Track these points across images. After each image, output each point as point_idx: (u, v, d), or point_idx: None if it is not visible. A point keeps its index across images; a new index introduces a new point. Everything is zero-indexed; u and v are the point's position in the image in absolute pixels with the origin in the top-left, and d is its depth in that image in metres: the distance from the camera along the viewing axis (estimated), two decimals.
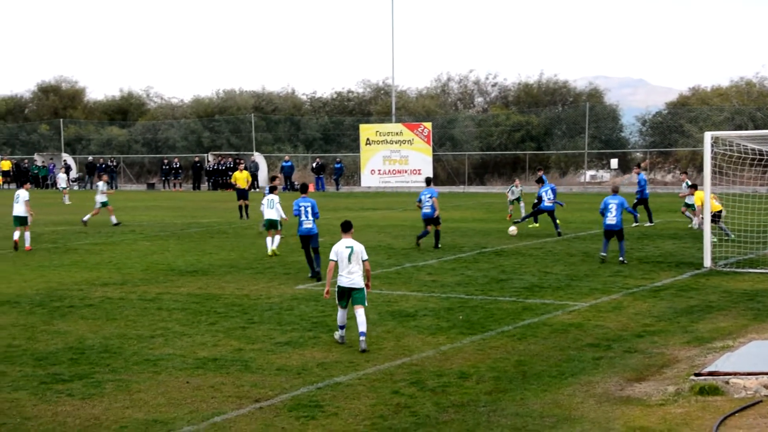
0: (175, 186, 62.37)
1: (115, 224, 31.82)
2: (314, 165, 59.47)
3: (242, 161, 48.08)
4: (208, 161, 62.68)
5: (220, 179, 60.55)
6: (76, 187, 65.14)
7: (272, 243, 23.50)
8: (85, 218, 32.22)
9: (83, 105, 79.65)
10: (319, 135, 68.05)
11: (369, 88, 71.92)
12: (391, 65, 61.57)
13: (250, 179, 37.13)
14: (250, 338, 13.47)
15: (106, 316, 15.30)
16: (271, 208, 23.58)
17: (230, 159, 61.22)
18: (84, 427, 9.34)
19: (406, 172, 56.49)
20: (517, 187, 32.95)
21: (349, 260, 12.95)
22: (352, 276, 12.94)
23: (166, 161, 63.80)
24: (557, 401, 10.19)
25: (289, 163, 58.48)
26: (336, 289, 13.09)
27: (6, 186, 65.97)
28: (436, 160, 58.45)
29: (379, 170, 57.28)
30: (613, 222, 21.28)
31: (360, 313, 12.77)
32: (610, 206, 21.38)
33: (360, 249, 13.07)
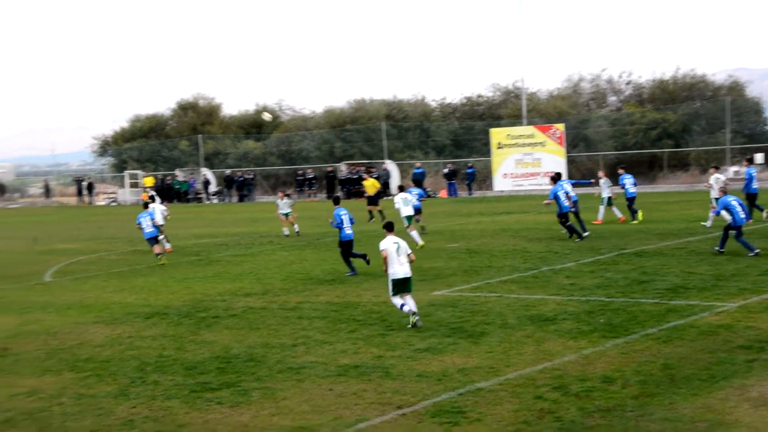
0: (309, 196, 63.44)
1: (293, 234, 32.10)
2: (446, 171, 59.46)
3: (374, 168, 48.59)
4: (341, 170, 63.50)
5: (353, 188, 61.27)
6: (215, 201, 67.10)
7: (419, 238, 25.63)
8: (287, 232, 32.40)
9: (219, 120, 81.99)
10: (449, 141, 68.04)
11: (498, 91, 71.54)
12: (521, 67, 61.89)
13: (378, 186, 37.81)
14: (390, 345, 13.54)
15: (250, 325, 15.65)
16: (407, 205, 26.69)
17: (362, 168, 61.87)
18: None
19: (539, 174, 55.78)
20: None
21: (398, 253, 14.93)
22: (404, 267, 14.95)
23: (300, 172, 64.97)
24: (709, 405, 9.84)
25: (420, 170, 58.63)
26: (392, 282, 14.94)
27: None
28: (570, 162, 57.53)
29: (512, 173, 56.75)
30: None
31: (409, 297, 14.92)
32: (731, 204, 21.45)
33: (404, 244, 15.14)
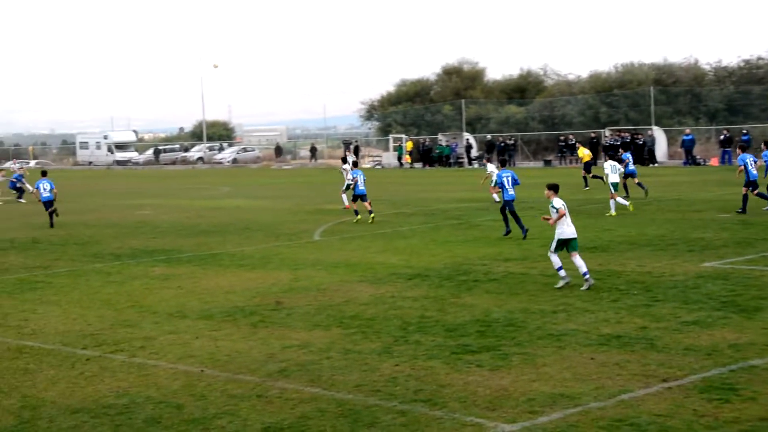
0: (571, 162, 62.42)
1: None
2: (721, 138, 56.52)
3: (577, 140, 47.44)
4: (605, 136, 61.98)
5: (618, 154, 59.62)
6: (476, 165, 67.55)
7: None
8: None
9: (483, 85, 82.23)
10: (722, 106, 64.58)
11: None
12: None
13: (590, 155, 41.15)
14: (655, 316, 13.08)
15: (509, 290, 15.64)
16: (614, 172, 28.84)
17: (627, 134, 60.06)
18: (494, 397, 9.60)
19: None
20: None
21: (568, 214, 15.58)
22: (571, 227, 15.56)
23: (562, 138, 64.06)
24: None
25: (690, 137, 56.17)
26: (558, 241, 15.52)
27: (410, 165, 69.94)
28: None
29: None
30: None
31: (578, 257, 15.39)
32: None
33: (563, 203, 15.65)
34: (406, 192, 41.35)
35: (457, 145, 69.99)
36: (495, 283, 16.40)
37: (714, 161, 56.19)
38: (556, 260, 15.63)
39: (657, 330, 12.25)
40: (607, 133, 62.16)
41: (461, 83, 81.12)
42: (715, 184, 38.95)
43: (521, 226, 22.63)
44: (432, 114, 78.83)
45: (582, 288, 15.17)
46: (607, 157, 30.63)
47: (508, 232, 23.11)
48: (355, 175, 28.04)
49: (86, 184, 56.91)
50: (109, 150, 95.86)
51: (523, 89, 79.19)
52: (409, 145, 71.52)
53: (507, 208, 23.29)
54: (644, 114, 64.86)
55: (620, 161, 30.75)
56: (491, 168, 30.92)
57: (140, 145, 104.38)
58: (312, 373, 10.77)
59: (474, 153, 68.67)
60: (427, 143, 70.52)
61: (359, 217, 27.82)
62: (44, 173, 31.73)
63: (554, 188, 16.13)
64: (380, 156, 77.25)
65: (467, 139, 69.19)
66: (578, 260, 15.39)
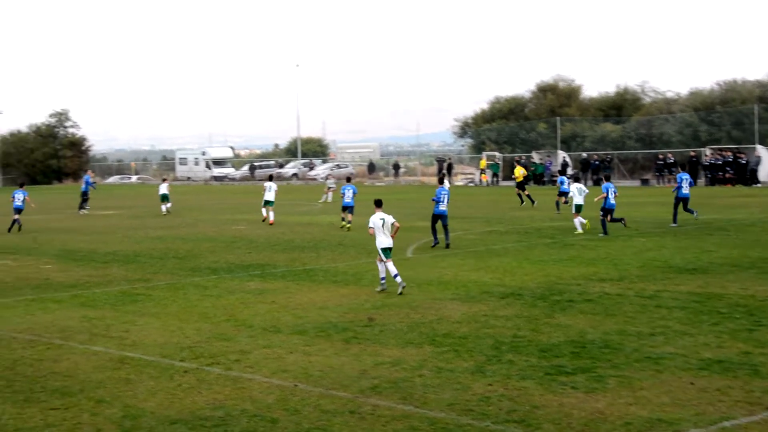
0: (669, 182, 61.21)
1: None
2: None
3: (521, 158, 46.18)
4: (706, 155, 60.61)
5: (717, 174, 58.27)
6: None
7: None
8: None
9: (578, 102, 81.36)
10: None
11: None
12: None
13: (525, 173, 44.87)
14: (759, 341, 12.70)
15: (605, 311, 15.39)
16: (580, 194, 29.72)
17: (729, 153, 58.63)
18: (589, 420, 9.44)
19: None
20: None
21: (383, 227, 18.11)
22: (388, 238, 18.11)
23: (660, 156, 62.88)
24: None
25: None
26: (381, 250, 18.00)
27: (486, 184, 69.47)
28: None
29: None
30: None
31: (391, 264, 17.88)
32: None
33: (389, 219, 18.28)
34: (499, 210, 41.09)
35: (551, 163, 69.32)
36: (590, 303, 16.16)
37: None
38: (381, 268, 18.18)
39: (761, 356, 11.89)
40: (708, 152, 60.77)
41: (556, 101, 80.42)
42: None
43: (441, 237, 25.77)
44: (526, 131, 78.29)
45: (398, 292, 17.51)
46: (572, 180, 33.61)
47: (436, 243, 25.84)
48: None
49: (184, 199, 58.10)
50: (207, 166, 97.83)
51: (619, 107, 78.06)
52: (482, 163, 71.18)
53: (434, 220, 26.07)
54: (747, 133, 63.20)
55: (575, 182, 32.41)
56: (572, 188, 30.67)
57: (237, 161, 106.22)
58: (404, 390, 10.76)
59: (569, 171, 67.92)
60: (522, 161, 70.02)
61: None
62: (21, 185, 37.99)
63: (378, 204, 18.83)
64: (473, 173, 76.97)
65: (564, 157, 68.48)
66: (391, 267, 17.92)
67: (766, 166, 58.53)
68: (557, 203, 38.44)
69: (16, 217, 34.50)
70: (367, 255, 24.35)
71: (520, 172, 43.99)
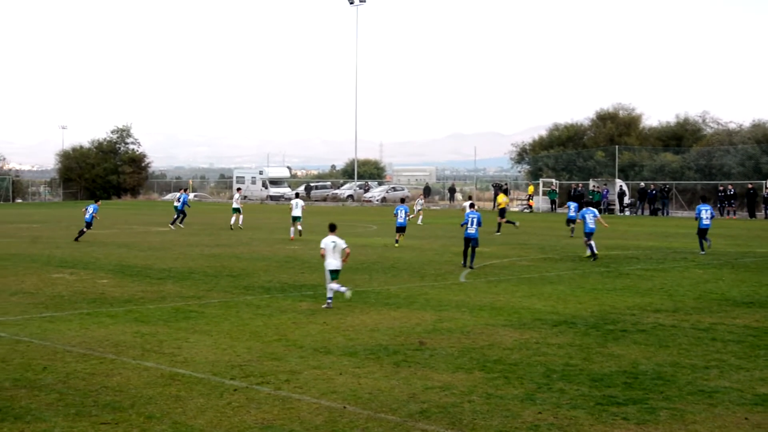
0: (729, 214, 60.35)
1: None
2: None
3: (505, 184, 48.06)
4: (767, 188, 59.63)
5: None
6: (627, 213, 66.08)
7: None
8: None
9: (638, 132, 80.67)
10: None
11: None
12: None
13: (508, 201, 44.15)
14: None
15: (659, 342, 15.19)
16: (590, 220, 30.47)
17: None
18: None
19: None
20: None
21: (333, 250, 19.12)
22: (336, 261, 19.14)
23: (721, 188, 62.03)
24: None
25: None
26: (329, 272, 19.18)
27: (530, 210, 69.21)
28: None
29: None
30: None
31: (335, 284, 19.12)
32: None
33: (340, 243, 19.13)
34: (554, 237, 40.81)
35: (608, 191, 68.73)
36: (643, 334, 15.96)
37: None
38: (329, 287, 19.21)
39: None
40: None
41: (615, 129, 79.82)
42: None
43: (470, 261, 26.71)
44: (584, 159, 77.77)
45: (323, 306, 19.05)
46: (584, 205, 34.23)
47: (464, 264, 26.92)
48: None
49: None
50: (264, 185, 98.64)
51: (680, 137, 77.23)
52: (530, 189, 70.76)
53: (466, 244, 26.83)
54: None
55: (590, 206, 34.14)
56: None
57: (293, 181, 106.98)
58: (453, 415, 10.71)
59: (627, 200, 67.27)
60: (579, 188, 69.64)
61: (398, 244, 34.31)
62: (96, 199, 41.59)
63: (331, 228, 19.73)
64: (531, 200, 76.57)
65: (620, 186, 67.86)
66: (335, 285, 19.17)
67: None
68: (571, 229, 40.47)
69: (84, 228, 37.58)
70: (420, 279, 24.35)
71: (503, 199, 44.87)
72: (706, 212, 31.85)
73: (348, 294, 19.20)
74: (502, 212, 43.59)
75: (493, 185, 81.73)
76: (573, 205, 40.64)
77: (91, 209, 37.90)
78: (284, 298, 20.72)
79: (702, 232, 31.82)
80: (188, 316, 18.05)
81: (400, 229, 35.08)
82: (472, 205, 30.25)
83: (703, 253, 31.29)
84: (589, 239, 30.00)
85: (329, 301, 19.18)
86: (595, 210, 31.68)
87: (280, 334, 16.03)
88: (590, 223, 30.20)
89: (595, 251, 29.65)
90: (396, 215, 35.59)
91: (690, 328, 16.47)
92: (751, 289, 21.91)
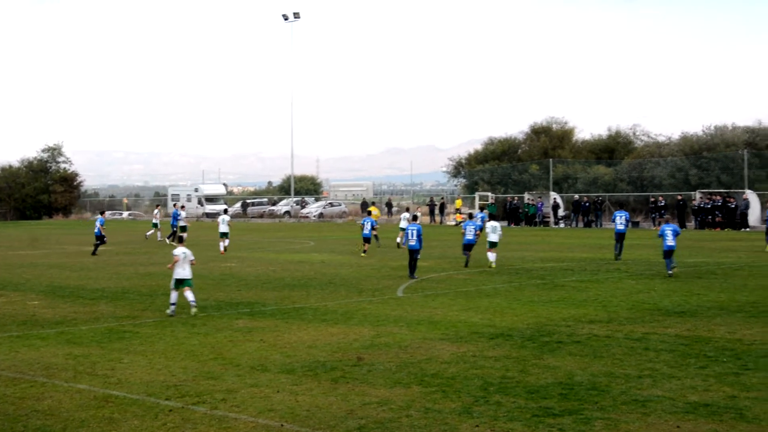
0: (659, 224, 61.41)
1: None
2: None
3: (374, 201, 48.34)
4: (695, 199, 60.88)
5: (707, 217, 58.55)
6: (562, 225, 66.90)
7: None
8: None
9: (571, 145, 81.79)
10: None
11: None
12: None
13: (379, 213, 46.34)
14: (745, 385, 12.70)
15: (594, 353, 15.38)
16: (494, 233, 31.67)
17: (718, 197, 58.94)
18: None
19: None
20: None
21: (183, 260, 20.53)
22: (185, 270, 20.61)
23: (652, 199, 63.15)
24: None
25: None
26: (175, 280, 20.54)
27: (456, 224, 70.06)
28: None
29: None
30: None
31: (189, 292, 20.54)
32: None
33: (189, 253, 20.73)
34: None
35: (543, 204, 69.53)
36: (579, 345, 16.15)
37: None
38: (172, 295, 20.55)
39: (747, 400, 11.88)
40: (698, 195, 61.05)
41: (549, 142, 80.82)
42: None
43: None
44: (519, 173, 78.58)
45: (191, 313, 20.34)
46: (489, 218, 36.19)
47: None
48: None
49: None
50: (199, 202, 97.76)
51: (611, 149, 78.47)
52: (458, 203, 71.25)
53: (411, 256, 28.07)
54: (737, 177, 63.57)
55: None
56: (487, 225, 33.43)
57: (229, 198, 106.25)
58: (391, 431, 10.71)
59: (561, 212, 68.12)
60: (515, 202, 70.29)
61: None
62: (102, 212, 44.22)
63: (180, 239, 21.79)
64: (467, 213, 77.06)
65: (554, 198, 68.70)
66: (190, 294, 20.52)
67: (756, 211, 58.78)
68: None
69: (97, 242, 40.68)
70: (358, 294, 24.33)
71: (374, 212, 46.45)
72: (621, 218, 33.93)
73: (193, 311, 20.44)
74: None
75: (427, 204, 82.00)
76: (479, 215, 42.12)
77: (97, 223, 40.63)
78: (220, 316, 20.55)
79: (619, 237, 33.87)
80: (122, 337, 17.78)
81: (366, 240, 38.41)
82: (415, 218, 31.23)
83: (619, 259, 33.64)
84: (467, 250, 31.92)
85: (172, 307, 20.52)
86: (483, 224, 34.42)
87: (217, 353, 15.88)
88: (468, 234, 31.84)
89: (468, 263, 31.47)
90: (363, 226, 38.99)
91: (623, 339, 16.71)
92: (682, 298, 22.32)
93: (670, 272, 27.86)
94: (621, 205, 31.48)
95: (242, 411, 11.76)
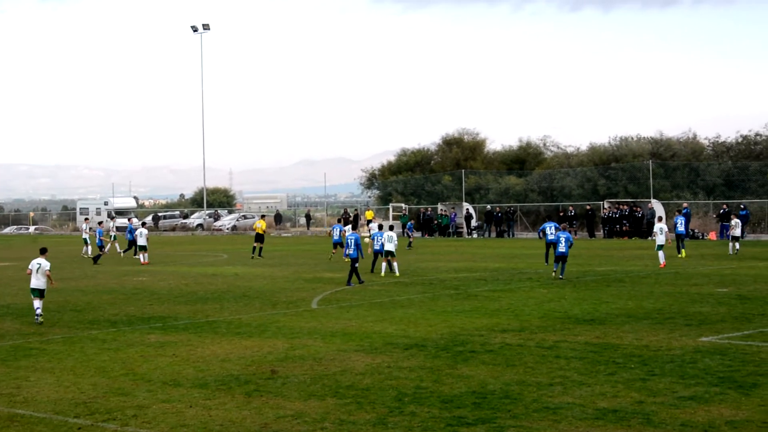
0: (573, 234, 62.56)
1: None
2: (720, 212, 56.73)
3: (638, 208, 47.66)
4: (604, 209, 62.20)
5: (615, 227, 59.86)
6: (475, 235, 67.60)
7: None
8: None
9: (483, 156, 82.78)
10: (720, 181, 64.96)
11: None
12: None
13: (265, 226, 47.97)
14: (651, 391, 13.01)
15: (506, 362, 15.57)
16: (390, 242, 33.66)
17: (625, 206, 60.33)
18: None
19: None
20: None
21: (37, 271, 21.44)
22: (39, 281, 21.44)
23: (561, 209, 64.31)
24: None
25: (686, 210, 56.34)
26: (31, 290, 21.50)
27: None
28: None
29: None
30: None
31: (38, 302, 21.38)
32: None
33: (45, 264, 21.53)
34: (405, 261, 41.29)
35: (456, 215, 70.18)
36: (491, 354, 16.33)
37: (712, 235, 56.32)
38: (35, 303, 21.43)
39: (654, 405, 12.17)
40: (606, 205, 62.38)
41: (461, 154, 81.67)
42: (713, 258, 39.01)
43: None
44: (432, 184, 79.21)
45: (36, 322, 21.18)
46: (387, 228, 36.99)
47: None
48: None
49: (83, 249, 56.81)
50: (109, 216, 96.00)
51: (522, 160, 79.68)
52: (368, 215, 71.53)
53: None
54: (642, 187, 65.19)
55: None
56: (385, 235, 34.23)
57: (140, 212, 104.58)
58: None
59: (474, 223, 68.83)
60: (428, 213, 70.74)
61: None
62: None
63: (42, 251, 22.21)
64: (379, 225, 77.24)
65: (467, 209, 69.41)
66: (39, 304, 21.35)
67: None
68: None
69: (101, 252, 44.71)
70: (272, 307, 24.19)
71: (257, 224, 47.63)
72: (550, 228, 35.22)
73: (38, 321, 21.28)
74: (260, 237, 46.37)
75: (341, 217, 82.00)
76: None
77: (96, 233, 45.01)
78: (132, 331, 20.20)
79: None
80: (28, 354, 17.34)
81: (335, 245, 41.62)
82: (354, 226, 33.59)
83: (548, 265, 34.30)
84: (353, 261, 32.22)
85: (37, 316, 21.33)
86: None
87: (128, 369, 15.61)
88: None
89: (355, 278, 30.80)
90: (331, 232, 43.03)
91: (535, 347, 16.95)
92: (591, 306, 22.75)
93: (561, 276, 29.90)
94: (549, 218, 32.29)
95: (154, 427, 11.58)
